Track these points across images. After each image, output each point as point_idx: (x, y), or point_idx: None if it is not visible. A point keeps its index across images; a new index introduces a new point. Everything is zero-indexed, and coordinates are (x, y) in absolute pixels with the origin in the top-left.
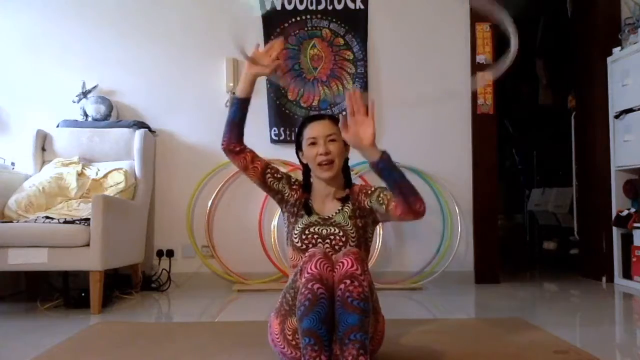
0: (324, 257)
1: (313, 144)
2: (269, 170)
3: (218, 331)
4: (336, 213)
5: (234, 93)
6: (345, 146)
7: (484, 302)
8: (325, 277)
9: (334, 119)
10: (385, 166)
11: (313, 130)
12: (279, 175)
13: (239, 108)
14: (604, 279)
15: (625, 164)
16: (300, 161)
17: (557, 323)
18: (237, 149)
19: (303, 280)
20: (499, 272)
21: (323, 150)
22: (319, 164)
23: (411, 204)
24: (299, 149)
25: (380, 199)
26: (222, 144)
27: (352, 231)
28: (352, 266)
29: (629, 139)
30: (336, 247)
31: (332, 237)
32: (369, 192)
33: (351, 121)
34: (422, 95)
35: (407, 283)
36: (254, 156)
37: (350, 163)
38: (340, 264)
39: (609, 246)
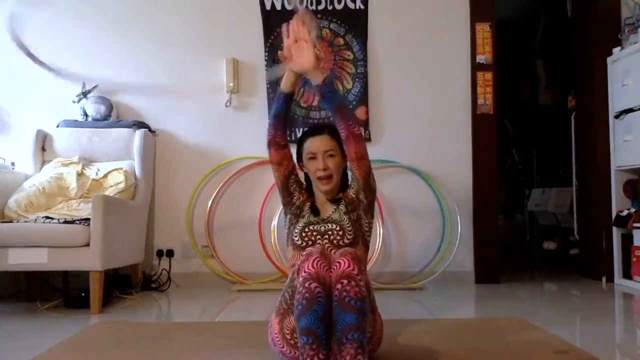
0: (321, 256)
1: (312, 158)
2: (294, 172)
3: (218, 331)
4: (332, 212)
5: (278, 86)
6: (343, 158)
7: (484, 302)
8: (323, 276)
9: (333, 132)
10: (329, 89)
11: (312, 145)
12: (297, 179)
13: (284, 102)
14: (604, 279)
15: (625, 164)
16: (301, 169)
17: (557, 323)
18: (283, 142)
19: (300, 279)
20: (499, 272)
21: (322, 165)
22: (319, 178)
23: (350, 126)
24: (299, 159)
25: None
26: (268, 136)
27: (348, 225)
28: (348, 266)
29: (629, 139)
30: (334, 242)
31: (330, 232)
32: (351, 185)
33: (294, 48)
34: (422, 96)
35: (407, 283)
36: (291, 155)
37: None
38: (338, 264)
39: (609, 246)
